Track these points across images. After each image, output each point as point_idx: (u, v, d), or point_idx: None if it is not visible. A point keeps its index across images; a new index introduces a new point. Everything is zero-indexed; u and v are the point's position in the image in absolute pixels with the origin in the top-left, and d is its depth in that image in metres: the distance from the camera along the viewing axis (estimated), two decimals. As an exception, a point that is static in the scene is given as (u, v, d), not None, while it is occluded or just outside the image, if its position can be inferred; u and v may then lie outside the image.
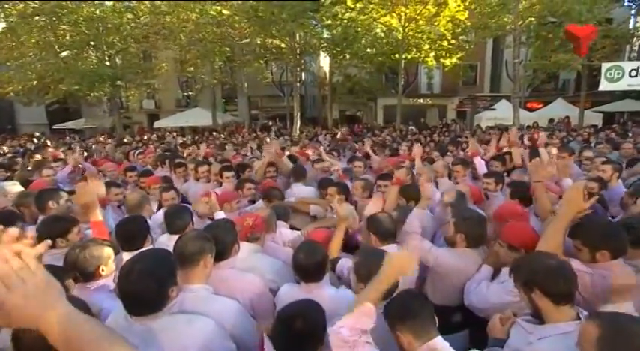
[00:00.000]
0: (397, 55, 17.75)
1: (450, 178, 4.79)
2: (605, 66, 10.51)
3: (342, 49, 17.02)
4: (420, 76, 24.46)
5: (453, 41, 16.97)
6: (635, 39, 17.56)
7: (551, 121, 16.53)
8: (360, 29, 16.22)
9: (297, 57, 16.50)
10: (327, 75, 24.87)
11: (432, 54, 17.79)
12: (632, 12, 17.53)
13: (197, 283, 1.81)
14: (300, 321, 1.50)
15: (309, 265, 2.00)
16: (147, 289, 1.45)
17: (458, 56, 17.89)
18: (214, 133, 15.73)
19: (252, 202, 4.30)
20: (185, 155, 7.03)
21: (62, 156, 6.83)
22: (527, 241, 2.25)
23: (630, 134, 9.92)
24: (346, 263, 2.51)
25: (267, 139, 11.90)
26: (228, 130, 19.37)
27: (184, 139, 14.43)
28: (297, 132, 15.26)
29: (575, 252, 2.02)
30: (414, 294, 1.63)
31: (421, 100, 25.64)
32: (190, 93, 25.30)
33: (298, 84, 17.35)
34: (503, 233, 2.41)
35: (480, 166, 4.83)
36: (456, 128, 17.46)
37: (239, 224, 2.52)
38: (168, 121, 22.40)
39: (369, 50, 17.61)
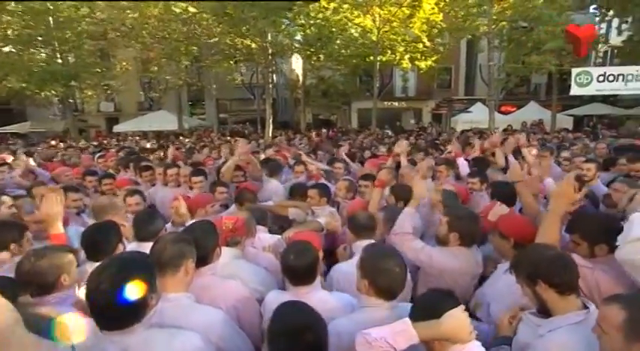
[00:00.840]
0: (372, 57, 18.04)
1: (432, 179, 4.85)
2: (574, 71, 11.11)
3: (316, 49, 17.09)
4: (394, 79, 25.03)
5: (427, 44, 17.46)
6: (599, 45, 18.72)
7: (524, 124, 17.29)
8: (334, 30, 16.37)
9: (270, 57, 16.39)
10: (300, 77, 24.93)
11: (407, 56, 18.22)
12: (597, 19, 18.70)
13: (177, 291, 1.68)
14: (309, 334, 1.43)
15: (300, 266, 1.93)
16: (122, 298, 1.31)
17: (433, 59, 18.41)
18: (181, 138, 15.32)
19: (226, 206, 4.20)
20: (152, 159, 6.78)
21: (8, 160, 6.39)
22: (516, 229, 2.32)
23: (600, 136, 10.57)
24: (339, 270, 2.44)
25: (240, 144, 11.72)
26: (196, 134, 18.91)
27: (149, 143, 13.94)
28: (270, 136, 15.09)
29: (573, 247, 2.06)
30: (443, 293, 1.58)
31: (396, 104, 26.19)
32: (154, 95, 24.44)
33: (270, 86, 17.21)
34: (495, 222, 2.51)
35: (463, 166, 4.93)
36: (432, 131, 17.95)
37: (217, 227, 2.41)
38: (130, 125, 21.57)
39: (343, 51, 17.79)
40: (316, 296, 1.92)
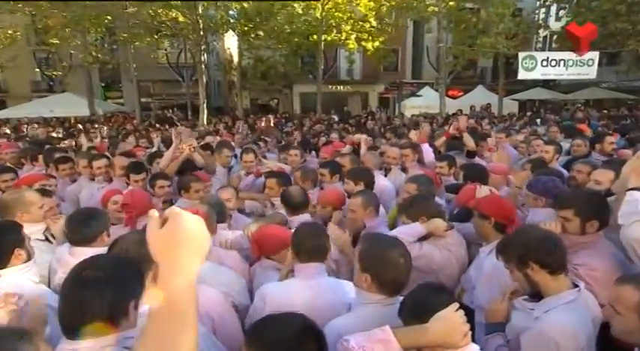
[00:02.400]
0: (315, 36, 18.02)
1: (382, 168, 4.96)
2: (521, 55, 12.07)
3: (254, 25, 16.63)
4: (339, 61, 25.30)
5: (374, 23, 17.81)
6: (542, 29, 20.47)
7: (472, 108, 18.44)
8: (275, 4, 16.05)
9: (201, 33, 15.63)
10: (235, 57, 24.25)
11: (354, 36, 18.46)
12: (538, 3, 20.41)
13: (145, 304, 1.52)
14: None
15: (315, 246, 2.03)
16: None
17: (380, 40, 18.85)
18: (96, 125, 14.15)
19: (170, 202, 3.96)
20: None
21: None
22: (495, 208, 2.46)
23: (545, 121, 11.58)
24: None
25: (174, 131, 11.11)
26: (115, 121, 17.58)
27: (54, 130, 12.69)
28: (205, 124, 14.50)
29: (562, 223, 2.21)
30: (435, 288, 1.58)
31: (341, 88, 26.56)
32: (54, 73, 22.07)
33: (204, 66, 16.47)
34: (475, 202, 2.68)
35: (427, 152, 5.11)
36: (381, 116, 18.44)
37: None
38: (22, 110, 18.97)
39: (286, 28, 17.54)
40: (324, 282, 2.03)
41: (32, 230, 2.45)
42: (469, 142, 5.11)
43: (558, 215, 2.25)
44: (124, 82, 25.02)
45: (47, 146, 5.70)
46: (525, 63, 11.98)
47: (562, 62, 11.63)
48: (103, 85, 26.13)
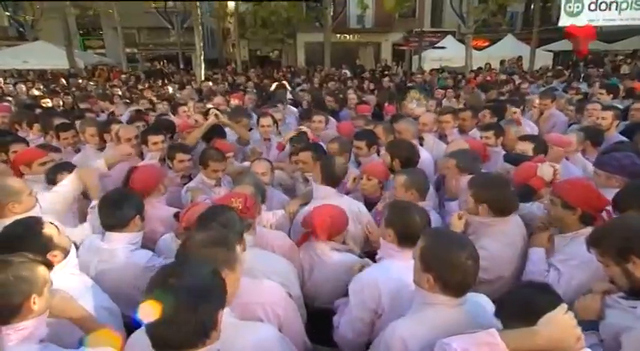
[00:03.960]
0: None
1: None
2: (564, -2, 11.53)
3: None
4: (349, 6, 24.43)
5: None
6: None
7: (502, 62, 17.92)
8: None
9: (193, -27, 15.00)
10: (232, 1, 23.41)
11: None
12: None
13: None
14: None
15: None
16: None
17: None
18: (81, 81, 13.90)
19: (189, 177, 3.96)
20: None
21: None
22: (584, 198, 2.35)
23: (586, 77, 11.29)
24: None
25: (170, 89, 10.92)
26: (100, 75, 17.23)
27: (33, 86, 12.45)
28: (202, 79, 14.20)
29: None
30: (539, 287, 1.56)
31: (350, 37, 25.84)
32: (25, 18, 21.31)
33: (200, 11, 15.86)
34: (556, 187, 2.53)
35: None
36: (398, 71, 18.06)
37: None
38: None
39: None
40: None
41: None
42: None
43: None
44: (106, 30, 24.42)
45: (46, 111, 5.55)
46: (569, 6, 11.49)
47: (614, 5, 11.12)
48: (81, 32, 25.43)
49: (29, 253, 1.63)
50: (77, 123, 4.74)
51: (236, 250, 1.65)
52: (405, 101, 7.88)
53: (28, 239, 1.87)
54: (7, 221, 2.21)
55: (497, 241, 2.50)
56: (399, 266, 2.08)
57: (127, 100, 8.57)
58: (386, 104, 7.61)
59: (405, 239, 2.11)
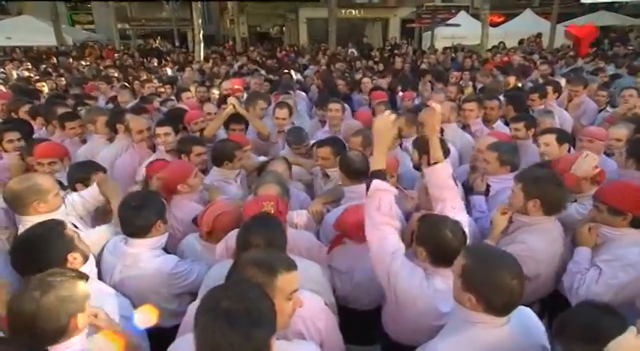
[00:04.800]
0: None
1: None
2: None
3: None
4: (354, -21, 24.04)
5: None
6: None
7: (521, 41, 17.63)
8: None
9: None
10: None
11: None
12: None
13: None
14: None
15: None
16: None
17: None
18: (71, 60, 13.76)
19: (204, 172, 3.94)
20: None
21: None
22: (635, 201, 2.34)
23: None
24: None
25: (168, 70, 10.83)
26: (90, 53, 17.04)
27: (21, 65, 12.36)
28: (201, 58, 14.05)
29: None
30: (603, 308, 1.57)
31: (356, 12, 25.47)
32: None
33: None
34: (601, 193, 2.50)
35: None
36: (408, 50, 17.82)
37: (255, 209, 2.27)
38: None
39: None
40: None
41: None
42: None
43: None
44: (95, 4, 24.05)
45: (49, 99, 5.46)
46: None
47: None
48: (68, 6, 25.09)
49: (51, 253, 1.79)
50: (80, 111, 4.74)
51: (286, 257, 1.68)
52: (419, 87, 7.85)
53: (50, 239, 1.94)
54: (31, 219, 2.34)
55: (540, 237, 2.50)
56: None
57: (126, 84, 8.55)
58: (399, 89, 7.59)
59: (438, 258, 2.06)
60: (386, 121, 2.24)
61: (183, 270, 2.38)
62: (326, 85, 7.93)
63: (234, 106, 4.35)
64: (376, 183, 2.16)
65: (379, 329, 2.48)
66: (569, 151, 3.65)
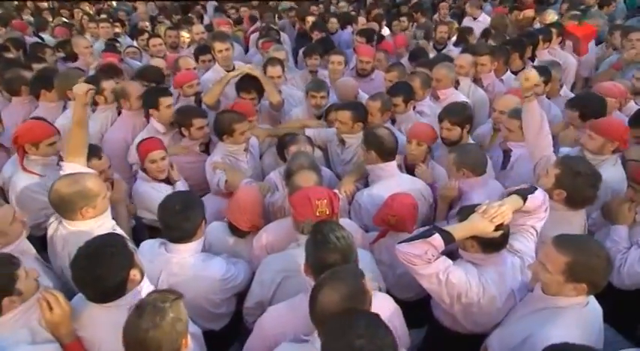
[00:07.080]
0: None
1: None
2: None
3: None
4: None
5: None
6: None
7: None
8: None
9: None
10: None
11: None
12: None
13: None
14: None
15: None
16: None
17: None
18: (76, 8, 11.93)
19: (206, 146, 3.82)
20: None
21: None
22: None
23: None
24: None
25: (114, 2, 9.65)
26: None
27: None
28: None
29: None
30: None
31: None
32: None
33: None
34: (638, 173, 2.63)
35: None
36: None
37: (308, 211, 2.14)
38: None
39: None
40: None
41: (102, 226, 2.35)
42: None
43: None
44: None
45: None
46: None
47: None
48: None
49: (115, 269, 1.80)
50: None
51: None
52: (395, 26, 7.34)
53: (114, 254, 1.84)
54: (76, 225, 2.30)
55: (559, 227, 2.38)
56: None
57: (66, 20, 7.61)
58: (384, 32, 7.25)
59: (491, 246, 2.10)
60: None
61: (231, 275, 2.35)
62: (314, 23, 7.18)
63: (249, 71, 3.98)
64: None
65: (428, 314, 2.52)
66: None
